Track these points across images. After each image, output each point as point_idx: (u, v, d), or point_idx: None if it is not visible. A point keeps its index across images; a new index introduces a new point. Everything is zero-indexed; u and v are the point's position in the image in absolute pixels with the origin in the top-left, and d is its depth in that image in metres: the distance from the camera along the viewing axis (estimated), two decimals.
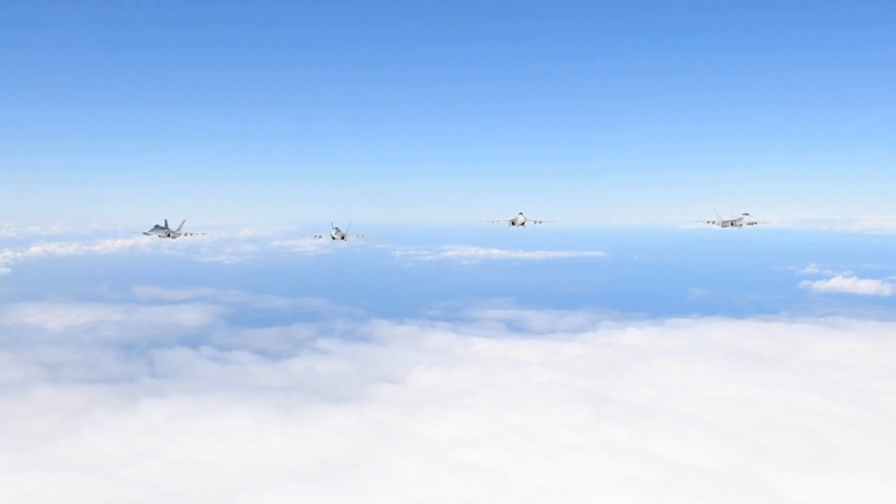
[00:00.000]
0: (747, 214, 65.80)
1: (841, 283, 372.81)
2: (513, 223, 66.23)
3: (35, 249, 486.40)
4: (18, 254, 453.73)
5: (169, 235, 61.19)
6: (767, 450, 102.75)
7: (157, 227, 59.94)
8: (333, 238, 66.33)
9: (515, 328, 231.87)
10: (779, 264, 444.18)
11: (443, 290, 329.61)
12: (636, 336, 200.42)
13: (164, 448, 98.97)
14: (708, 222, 65.88)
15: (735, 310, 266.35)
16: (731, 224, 65.58)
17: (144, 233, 61.04)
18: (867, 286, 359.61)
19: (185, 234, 61.84)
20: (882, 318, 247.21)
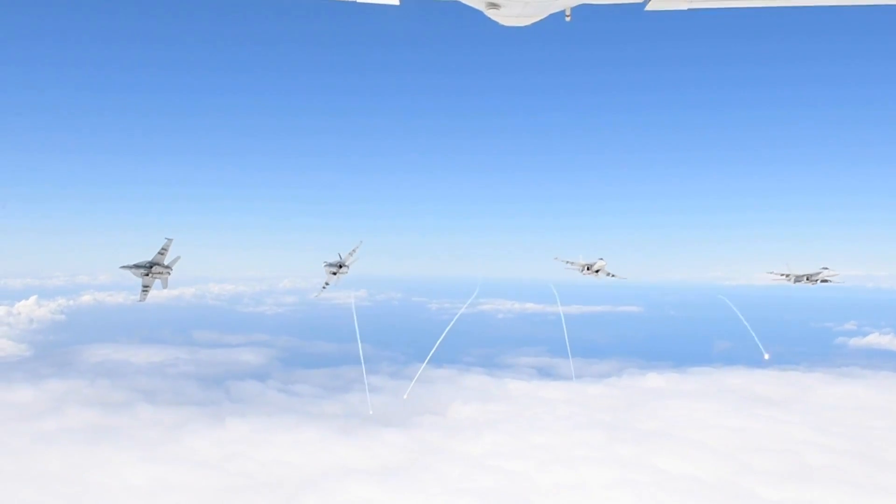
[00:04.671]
0: (826, 269, 59.54)
1: (878, 339, 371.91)
2: (588, 268, 60.12)
3: (86, 298, 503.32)
4: (71, 302, 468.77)
5: (152, 268, 49.35)
6: (751, 465, 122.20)
7: (136, 265, 49.75)
8: (334, 273, 54.80)
9: (546, 373, 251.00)
10: (816, 320, 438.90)
11: (479, 340, 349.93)
12: (657, 380, 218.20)
13: (253, 452, 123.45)
14: (781, 275, 59.46)
15: (758, 361, 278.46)
16: (807, 279, 59.07)
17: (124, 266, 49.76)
18: None
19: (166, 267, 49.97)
20: None
